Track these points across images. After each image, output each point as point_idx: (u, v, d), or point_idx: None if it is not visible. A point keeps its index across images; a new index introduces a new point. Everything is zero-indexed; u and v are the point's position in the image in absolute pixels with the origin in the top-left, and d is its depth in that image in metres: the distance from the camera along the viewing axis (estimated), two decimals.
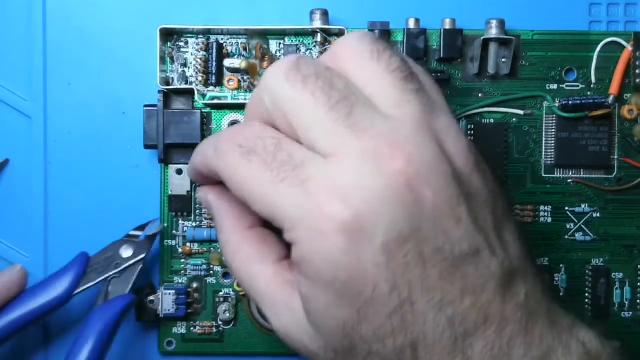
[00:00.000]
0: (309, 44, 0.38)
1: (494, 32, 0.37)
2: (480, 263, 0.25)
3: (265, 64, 0.38)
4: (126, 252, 0.36)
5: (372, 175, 0.24)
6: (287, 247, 0.31)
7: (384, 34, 0.37)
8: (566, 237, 0.39)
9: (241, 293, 0.38)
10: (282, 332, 0.28)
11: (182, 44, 0.38)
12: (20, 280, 0.35)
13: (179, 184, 0.38)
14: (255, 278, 0.29)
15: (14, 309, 0.35)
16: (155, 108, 0.37)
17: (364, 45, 0.27)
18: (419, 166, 0.24)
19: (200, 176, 0.32)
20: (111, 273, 0.36)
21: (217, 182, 0.33)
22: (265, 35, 0.38)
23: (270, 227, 0.31)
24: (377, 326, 0.25)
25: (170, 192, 0.38)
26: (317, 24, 0.37)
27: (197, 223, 0.38)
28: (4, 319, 0.34)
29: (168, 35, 0.38)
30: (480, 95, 0.38)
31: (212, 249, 0.38)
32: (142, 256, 0.36)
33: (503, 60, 0.38)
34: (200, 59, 0.38)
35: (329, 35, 0.37)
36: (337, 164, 0.25)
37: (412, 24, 0.37)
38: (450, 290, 0.25)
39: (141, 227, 0.37)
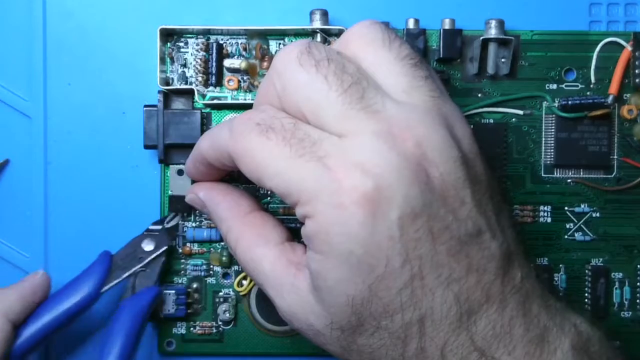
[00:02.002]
0: None
1: (493, 32, 0.37)
2: (482, 244, 0.26)
3: (265, 64, 0.38)
4: (148, 246, 0.37)
5: (387, 152, 0.25)
6: (287, 229, 0.32)
7: None
8: (566, 237, 0.39)
9: (241, 293, 0.38)
10: (287, 311, 0.29)
11: (182, 44, 0.38)
12: (43, 285, 0.35)
13: (180, 184, 0.38)
14: (259, 260, 0.30)
15: (43, 313, 0.34)
16: (155, 108, 0.37)
17: (375, 33, 0.28)
18: (428, 149, 0.25)
19: (202, 165, 0.32)
20: (136, 268, 0.36)
21: (211, 178, 0.34)
22: (265, 35, 0.38)
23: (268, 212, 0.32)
24: (387, 302, 0.25)
25: (170, 193, 0.38)
26: (317, 24, 0.37)
27: (197, 223, 0.38)
28: (34, 324, 0.34)
29: (168, 35, 0.38)
30: (479, 95, 0.38)
31: (212, 249, 0.38)
32: (164, 248, 0.37)
33: (502, 60, 0.38)
34: (200, 59, 0.38)
35: (328, 36, 0.37)
36: (352, 142, 0.25)
37: (411, 24, 0.37)
38: (457, 267, 0.26)
39: (159, 222, 0.37)
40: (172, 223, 0.37)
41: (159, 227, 0.37)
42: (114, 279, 0.36)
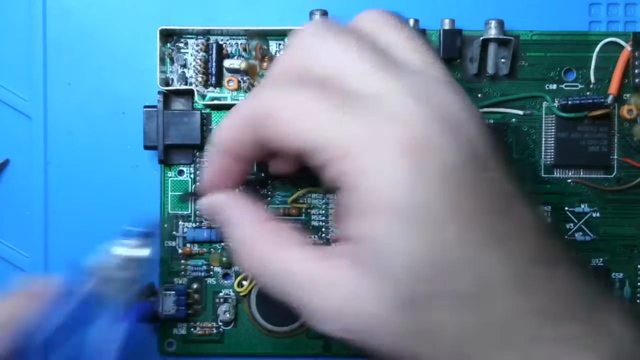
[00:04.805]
0: None
1: (493, 33, 0.37)
2: (513, 207, 0.25)
3: (265, 64, 0.38)
4: (125, 251, 0.33)
5: (424, 107, 0.24)
6: (303, 234, 0.29)
7: None
8: (566, 237, 0.39)
9: (241, 294, 0.38)
10: (329, 310, 0.25)
11: (181, 44, 0.38)
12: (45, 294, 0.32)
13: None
14: (287, 264, 0.27)
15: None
16: (155, 109, 0.37)
17: (387, 18, 0.28)
18: (455, 109, 0.25)
19: (220, 156, 0.29)
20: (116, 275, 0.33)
21: (229, 175, 0.32)
22: (264, 35, 0.38)
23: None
24: (444, 259, 0.23)
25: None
26: None
27: (197, 224, 0.38)
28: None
29: (168, 36, 0.38)
30: (479, 95, 0.38)
31: (212, 249, 0.38)
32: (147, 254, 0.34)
33: (502, 60, 0.38)
34: (200, 59, 0.38)
35: None
36: (386, 98, 0.25)
37: (411, 24, 0.37)
38: (502, 227, 0.24)
39: (138, 228, 0.36)
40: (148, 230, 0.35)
41: (139, 230, 0.34)
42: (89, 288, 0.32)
